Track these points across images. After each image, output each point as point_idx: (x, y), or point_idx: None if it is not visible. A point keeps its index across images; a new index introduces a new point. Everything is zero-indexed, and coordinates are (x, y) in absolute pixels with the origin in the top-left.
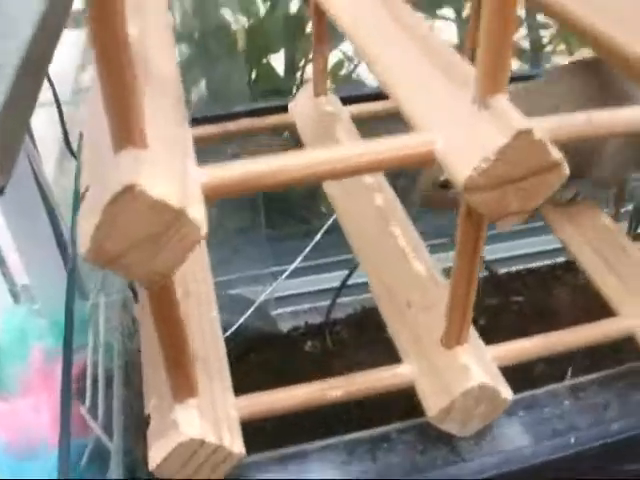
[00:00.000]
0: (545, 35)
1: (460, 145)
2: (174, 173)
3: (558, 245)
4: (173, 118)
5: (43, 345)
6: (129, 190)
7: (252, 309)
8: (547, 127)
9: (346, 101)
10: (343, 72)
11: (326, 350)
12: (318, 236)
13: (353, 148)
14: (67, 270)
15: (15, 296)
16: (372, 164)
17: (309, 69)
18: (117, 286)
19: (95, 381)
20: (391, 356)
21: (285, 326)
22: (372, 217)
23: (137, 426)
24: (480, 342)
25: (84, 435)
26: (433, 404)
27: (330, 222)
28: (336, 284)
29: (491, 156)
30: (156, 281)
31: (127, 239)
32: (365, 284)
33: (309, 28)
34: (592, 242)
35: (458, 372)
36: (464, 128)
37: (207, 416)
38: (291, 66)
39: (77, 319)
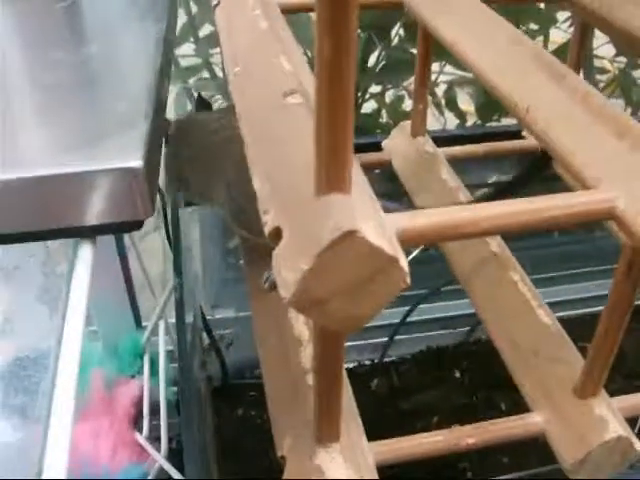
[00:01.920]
0: (602, 80)
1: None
2: (377, 220)
3: None
4: (355, 159)
5: (102, 371)
6: (349, 236)
7: None
8: None
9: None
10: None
11: (392, 389)
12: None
13: (539, 202)
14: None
15: None
16: (555, 219)
17: (367, 105)
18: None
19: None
20: (459, 398)
21: (346, 361)
22: (489, 263)
23: (205, 458)
24: (607, 394)
25: (140, 463)
26: (568, 455)
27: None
28: (395, 320)
29: None
30: (350, 327)
31: (336, 285)
32: (427, 322)
33: (370, 63)
34: None
35: (595, 423)
36: None
37: (350, 462)
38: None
39: (132, 347)
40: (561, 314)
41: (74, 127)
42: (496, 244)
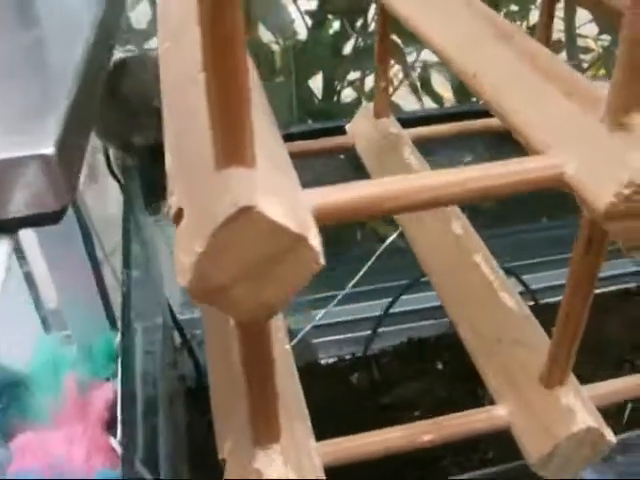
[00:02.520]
0: (585, 60)
1: (594, 169)
2: (286, 195)
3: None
4: (273, 135)
5: (75, 375)
6: (246, 212)
7: (296, 340)
8: None
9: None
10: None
11: (373, 382)
12: (370, 262)
13: (476, 171)
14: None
15: (44, 322)
16: (497, 188)
17: (345, 93)
18: (149, 315)
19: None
20: (441, 390)
21: (325, 356)
22: (451, 246)
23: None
24: (576, 382)
25: (114, 467)
26: (534, 449)
27: (382, 248)
28: (376, 313)
29: (633, 181)
30: (262, 316)
31: (237, 268)
32: (408, 313)
33: (346, 50)
34: None
35: (562, 414)
36: (595, 150)
37: (291, 463)
38: (330, 89)
39: (106, 349)
40: (549, 300)
41: None
42: (459, 225)
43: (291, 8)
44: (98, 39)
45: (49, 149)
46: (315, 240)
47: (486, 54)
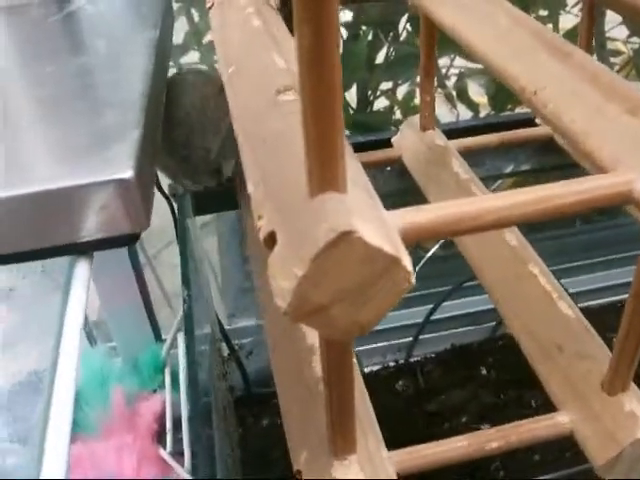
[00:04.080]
0: (616, 62)
1: None
2: (376, 217)
3: None
4: (350, 154)
5: (123, 387)
6: (345, 237)
7: None
8: None
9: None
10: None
11: (418, 390)
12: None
13: (549, 190)
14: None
15: (89, 334)
16: (570, 206)
17: (379, 102)
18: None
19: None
20: (486, 397)
21: (369, 363)
22: (506, 257)
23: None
24: (637, 388)
25: (165, 478)
26: (599, 455)
27: (425, 259)
28: (418, 319)
29: None
30: (354, 333)
31: (335, 290)
32: (450, 319)
33: (379, 60)
34: None
35: (625, 420)
36: None
37: (367, 473)
38: (364, 99)
39: (152, 361)
40: (588, 304)
41: (64, 140)
42: (514, 237)
43: None
44: (158, 61)
45: (127, 174)
46: (407, 261)
47: (544, 70)
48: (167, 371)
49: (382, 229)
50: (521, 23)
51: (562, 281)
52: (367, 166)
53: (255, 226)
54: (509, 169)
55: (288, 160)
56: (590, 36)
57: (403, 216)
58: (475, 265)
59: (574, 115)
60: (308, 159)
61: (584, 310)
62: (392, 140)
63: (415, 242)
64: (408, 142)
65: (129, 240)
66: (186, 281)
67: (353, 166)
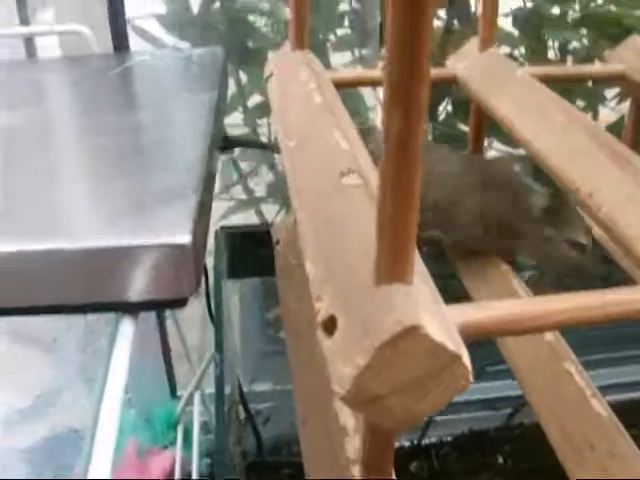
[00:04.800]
0: None
1: None
2: (439, 312)
3: None
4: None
5: (136, 439)
6: (411, 332)
7: None
8: None
9: None
10: None
11: (433, 473)
12: None
13: (604, 296)
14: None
15: None
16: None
17: None
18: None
19: None
20: None
21: None
22: (543, 353)
23: None
24: None
25: None
26: None
27: None
28: None
29: None
30: (406, 425)
31: (395, 381)
32: (470, 402)
33: None
34: None
35: None
36: None
37: None
38: None
39: (166, 416)
40: (613, 397)
41: (122, 197)
42: (551, 333)
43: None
44: (215, 123)
45: (185, 238)
46: (467, 358)
47: (601, 173)
48: (180, 428)
49: (445, 325)
50: (576, 121)
51: (589, 373)
52: None
53: (314, 307)
54: None
55: (352, 245)
56: (635, 135)
57: (463, 312)
58: (510, 358)
59: (630, 220)
60: (380, 250)
61: (611, 404)
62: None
63: (473, 338)
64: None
65: (177, 304)
66: (219, 344)
67: (416, 258)
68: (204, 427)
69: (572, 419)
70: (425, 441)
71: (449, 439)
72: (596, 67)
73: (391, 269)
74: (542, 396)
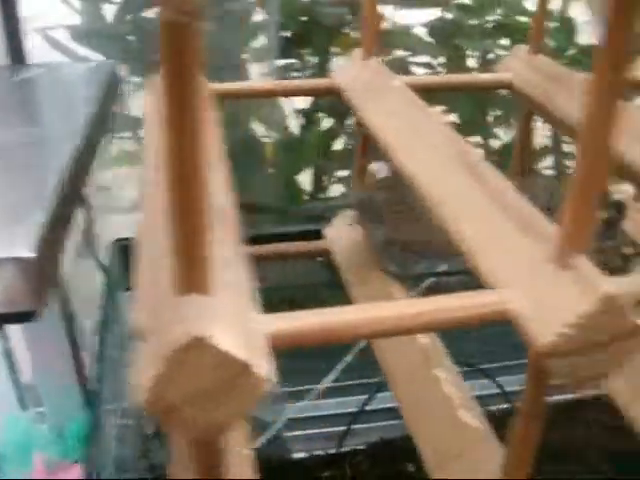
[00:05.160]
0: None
1: (538, 307)
2: (240, 323)
3: None
4: (234, 257)
5: (44, 455)
6: (197, 342)
7: (269, 433)
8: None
9: None
10: None
11: None
12: (348, 357)
13: (428, 304)
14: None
15: (21, 398)
16: (447, 321)
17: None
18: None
19: None
20: None
21: (296, 451)
22: (417, 359)
23: None
24: None
25: None
26: None
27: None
28: (352, 409)
29: (576, 321)
30: (209, 434)
31: (189, 391)
32: (383, 411)
33: (338, 145)
34: None
35: None
36: (542, 288)
37: None
38: (318, 184)
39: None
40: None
41: None
42: (427, 336)
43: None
44: (86, 141)
45: (27, 252)
46: (262, 368)
47: (451, 182)
48: (94, 445)
49: (243, 334)
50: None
51: (500, 379)
52: (295, 256)
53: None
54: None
55: (163, 260)
56: (525, 145)
57: (274, 322)
58: (385, 366)
59: (473, 234)
60: (176, 260)
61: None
62: (324, 231)
63: (286, 347)
64: (340, 234)
65: (23, 317)
66: (100, 354)
67: (233, 267)
68: (120, 440)
69: (438, 428)
70: (338, 450)
71: (362, 447)
72: (484, 76)
73: (186, 281)
74: (411, 407)
